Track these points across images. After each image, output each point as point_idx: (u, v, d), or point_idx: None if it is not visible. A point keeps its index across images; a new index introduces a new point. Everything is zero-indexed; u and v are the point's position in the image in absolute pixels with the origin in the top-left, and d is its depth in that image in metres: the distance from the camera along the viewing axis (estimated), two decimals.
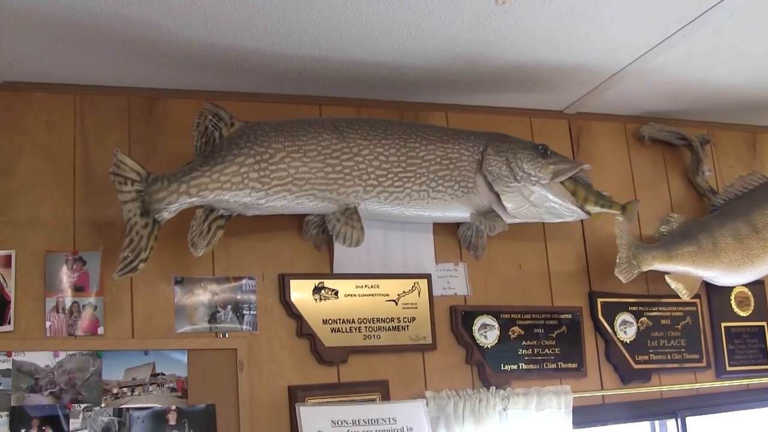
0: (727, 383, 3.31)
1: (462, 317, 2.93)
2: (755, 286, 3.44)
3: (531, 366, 2.99)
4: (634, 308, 3.20)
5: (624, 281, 3.03)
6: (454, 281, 2.99)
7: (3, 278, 2.51)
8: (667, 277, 3.15)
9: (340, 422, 2.61)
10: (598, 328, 3.14)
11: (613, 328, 3.14)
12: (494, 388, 2.87)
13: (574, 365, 3.05)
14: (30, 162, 2.64)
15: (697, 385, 3.25)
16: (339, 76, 2.83)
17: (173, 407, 2.54)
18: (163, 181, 2.50)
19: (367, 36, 2.58)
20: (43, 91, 2.70)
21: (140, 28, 2.42)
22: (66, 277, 2.56)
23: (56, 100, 2.71)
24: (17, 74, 2.65)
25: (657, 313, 3.24)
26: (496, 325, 2.97)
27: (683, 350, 3.25)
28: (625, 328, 3.16)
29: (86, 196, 2.65)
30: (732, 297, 3.40)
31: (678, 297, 3.16)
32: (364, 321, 2.81)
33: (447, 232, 2.99)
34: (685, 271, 3.16)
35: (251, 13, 2.39)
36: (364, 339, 2.79)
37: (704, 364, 3.28)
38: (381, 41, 2.61)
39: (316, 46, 2.62)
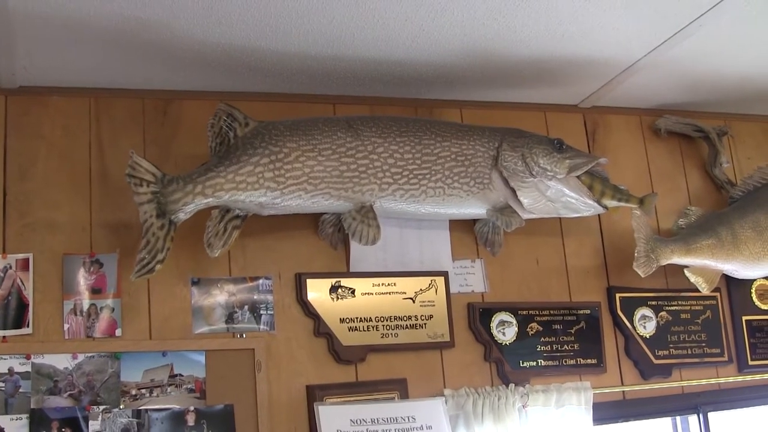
0: (749, 377, 3.29)
1: (480, 314, 2.93)
2: None
3: (550, 362, 2.99)
4: (654, 303, 3.19)
5: (642, 275, 3.01)
6: (471, 278, 2.98)
7: (21, 281, 2.53)
8: (686, 271, 3.14)
9: (359, 421, 2.61)
10: (617, 323, 3.13)
11: (632, 323, 3.13)
12: (513, 385, 2.86)
13: (594, 361, 3.04)
14: (47, 165, 2.66)
15: (720, 380, 3.23)
16: (352, 74, 2.83)
17: (192, 408, 2.55)
18: (178, 182, 2.51)
19: (380, 33, 2.57)
20: (59, 94, 2.72)
21: (154, 30, 2.43)
22: (83, 279, 2.58)
23: (72, 103, 2.73)
24: (33, 79, 2.66)
25: (677, 308, 3.22)
26: (514, 322, 2.97)
27: (704, 344, 3.23)
28: (645, 322, 3.14)
29: (102, 199, 2.67)
30: (752, 290, 3.38)
31: (697, 291, 3.14)
32: (382, 319, 2.81)
33: (463, 228, 2.98)
34: (704, 265, 3.14)
35: (264, 13, 2.39)
36: (382, 337, 2.79)
37: (726, 358, 3.26)
38: (394, 38, 2.61)
39: (329, 45, 2.62)
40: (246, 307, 2.70)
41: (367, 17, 2.47)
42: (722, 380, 3.24)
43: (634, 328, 3.13)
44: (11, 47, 2.45)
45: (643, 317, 3.15)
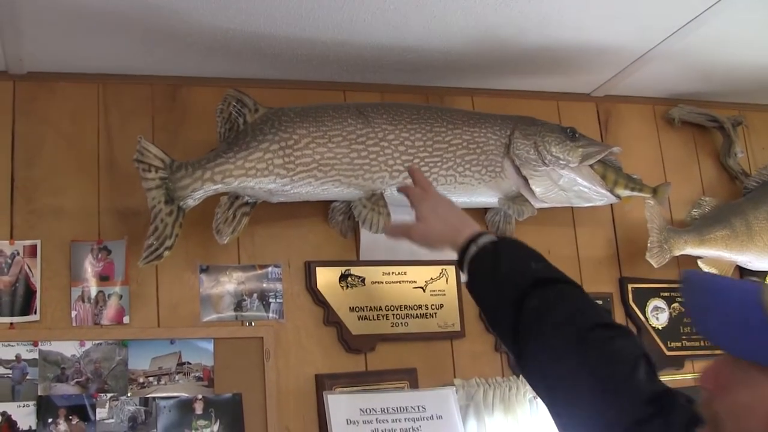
0: None
1: None
2: None
3: None
4: (666, 294, 3.16)
5: (655, 266, 2.99)
6: None
7: (29, 268, 2.51)
8: (699, 262, 3.12)
9: (368, 410, 2.59)
10: (629, 314, 3.10)
11: (644, 314, 3.10)
12: None
13: None
14: (54, 151, 2.64)
15: None
16: (363, 61, 2.81)
17: (200, 396, 2.53)
18: (187, 168, 2.50)
19: (391, 20, 2.55)
20: (66, 80, 2.70)
21: (162, 15, 2.41)
22: (91, 266, 2.56)
23: (79, 89, 2.71)
24: (40, 64, 2.64)
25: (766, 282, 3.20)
26: None
27: None
28: (657, 314, 3.12)
29: (110, 185, 2.65)
30: (767, 281, 3.35)
31: None
32: (392, 308, 2.79)
33: (474, 217, 2.81)
34: (718, 256, 3.12)
35: None
36: (392, 327, 2.77)
37: None
38: (405, 25, 2.59)
39: (339, 31, 2.60)
40: (255, 295, 2.68)
41: (379, 3, 2.44)
42: None
43: (647, 319, 3.10)
44: (19, 33, 2.43)
45: (656, 308, 3.13)
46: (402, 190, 2.33)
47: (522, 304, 1.81)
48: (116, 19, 2.41)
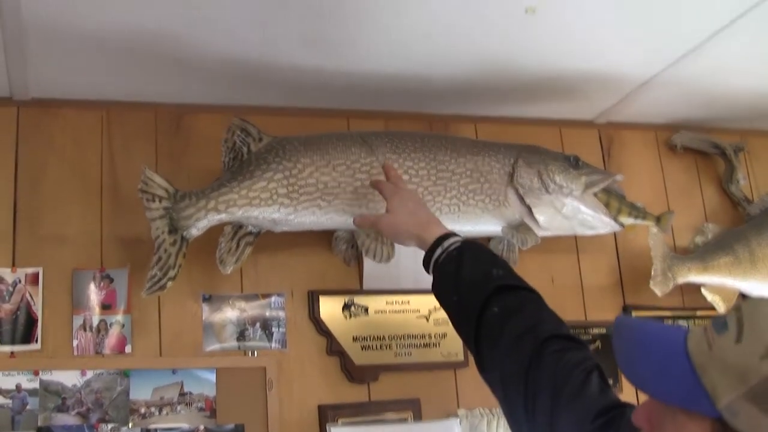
0: None
1: None
2: None
3: None
4: (670, 321, 3.14)
5: (659, 294, 2.98)
6: None
7: (30, 296, 2.50)
8: (703, 289, 3.10)
9: None
10: None
11: None
12: None
13: (610, 381, 2.93)
14: (57, 178, 2.64)
15: None
16: (367, 89, 2.82)
17: (201, 427, 2.52)
18: (191, 198, 2.49)
19: (395, 48, 2.56)
20: (70, 107, 2.70)
21: (167, 43, 2.42)
22: (93, 294, 2.55)
23: (84, 115, 2.71)
24: (45, 90, 2.64)
25: (693, 326, 3.18)
26: None
27: None
28: None
29: (113, 213, 2.65)
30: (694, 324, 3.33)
31: (715, 309, 3.11)
32: (395, 338, 2.78)
33: None
34: (721, 283, 3.11)
35: (278, 27, 2.38)
36: (395, 356, 2.77)
37: None
38: (409, 53, 2.60)
39: (343, 60, 2.60)
40: (258, 324, 2.68)
41: (382, 32, 2.45)
42: None
43: None
44: (24, 59, 2.43)
45: None
46: (374, 184, 2.44)
47: (483, 309, 1.87)
48: (120, 46, 2.41)
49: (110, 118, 2.73)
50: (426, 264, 2.10)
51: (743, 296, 3.20)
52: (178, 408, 2.52)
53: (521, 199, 2.77)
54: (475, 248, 2.07)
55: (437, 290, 2.08)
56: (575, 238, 3.09)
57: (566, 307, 3.03)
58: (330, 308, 2.74)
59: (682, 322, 3.16)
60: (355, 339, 2.74)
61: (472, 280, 1.97)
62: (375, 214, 2.35)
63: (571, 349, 1.79)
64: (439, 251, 2.06)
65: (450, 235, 2.11)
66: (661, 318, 3.13)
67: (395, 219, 2.26)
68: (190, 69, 2.59)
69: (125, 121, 2.74)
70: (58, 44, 2.38)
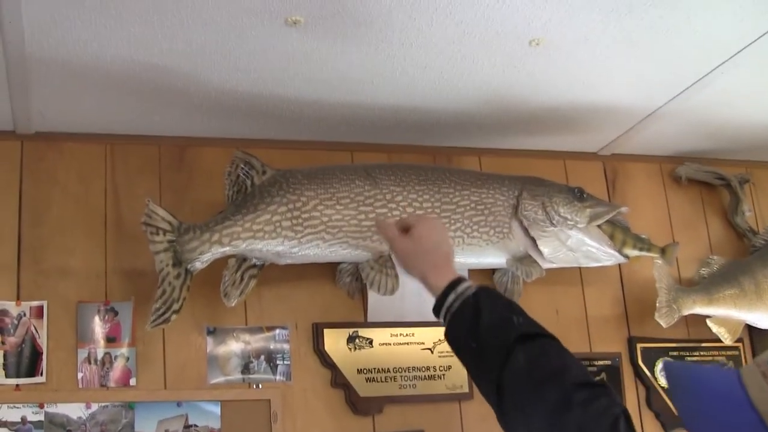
0: None
1: None
2: None
3: None
4: (675, 353, 3.19)
5: (664, 326, 3.02)
6: None
7: (35, 329, 2.55)
8: (708, 321, 3.15)
9: None
10: (638, 374, 3.12)
11: (653, 374, 3.12)
12: None
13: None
14: (61, 211, 2.70)
15: None
16: (371, 121, 2.87)
17: None
18: (195, 231, 2.55)
19: (400, 81, 2.62)
20: (74, 140, 2.77)
21: (170, 76, 2.48)
22: (98, 327, 2.61)
23: (87, 149, 2.77)
24: (49, 124, 2.71)
25: (699, 358, 3.22)
26: None
27: None
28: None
29: (117, 246, 2.70)
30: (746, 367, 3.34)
31: (720, 341, 3.15)
32: (400, 370, 2.82)
33: (482, 278, 2.97)
34: (726, 315, 3.15)
35: (282, 59, 2.44)
36: (400, 388, 2.80)
37: None
38: (413, 85, 2.65)
39: (347, 92, 2.66)
40: (262, 356, 2.72)
41: (386, 64, 2.51)
42: None
43: (656, 379, 3.12)
44: (27, 93, 2.50)
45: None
46: (396, 223, 2.24)
47: (506, 359, 1.86)
48: (124, 79, 2.48)
49: (114, 152, 2.80)
50: (437, 309, 2.05)
51: (750, 328, 3.22)
52: None
53: (526, 231, 2.82)
54: (492, 294, 2.05)
55: (452, 336, 2.03)
56: (580, 270, 3.13)
57: (571, 338, 3.04)
58: (334, 341, 2.78)
59: (687, 354, 3.19)
60: (359, 371, 2.78)
61: (493, 328, 1.93)
62: (395, 230, 2.15)
63: (598, 396, 1.78)
64: (452, 297, 2.00)
65: (461, 279, 2.05)
66: (666, 350, 3.17)
67: (414, 247, 2.10)
68: (193, 102, 2.65)
69: (129, 155, 2.81)
70: (61, 78, 2.45)
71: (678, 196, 3.42)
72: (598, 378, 3.03)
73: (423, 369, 2.84)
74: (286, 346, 2.74)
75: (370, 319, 2.84)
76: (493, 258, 2.84)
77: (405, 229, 2.15)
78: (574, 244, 2.84)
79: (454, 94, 2.73)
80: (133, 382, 2.58)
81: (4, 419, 2.44)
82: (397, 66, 2.52)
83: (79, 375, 2.55)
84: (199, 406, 2.59)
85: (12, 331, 2.53)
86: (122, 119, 2.73)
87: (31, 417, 2.46)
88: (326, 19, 2.24)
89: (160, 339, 2.64)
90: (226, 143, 2.85)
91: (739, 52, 2.59)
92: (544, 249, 2.81)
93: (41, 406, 2.47)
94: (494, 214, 2.78)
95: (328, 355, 2.76)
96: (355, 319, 2.84)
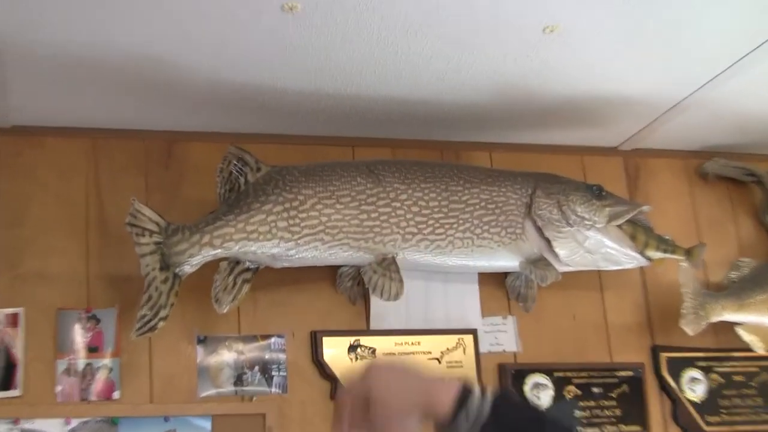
0: None
1: (512, 376, 2.88)
2: None
3: (589, 429, 2.93)
4: (703, 363, 3.12)
5: (691, 333, 2.95)
6: (503, 336, 2.94)
7: (10, 338, 2.50)
8: (738, 329, 3.07)
9: None
10: (663, 386, 3.06)
11: (679, 385, 3.06)
12: None
13: (638, 428, 2.97)
14: (41, 211, 2.66)
15: None
16: (373, 114, 2.83)
17: None
18: (184, 232, 2.50)
19: (403, 71, 2.57)
20: (55, 135, 2.73)
21: (158, 66, 2.43)
22: (79, 336, 2.56)
23: (69, 144, 2.74)
24: (28, 118, 2.67)
25: (728, 369, 3.15)
26: (550, 385, 2.92)
27: (760, 410, 3.14)
28: (694, 385, 3.07)
29: (101, 249, 2.66)
30: None
31: (751, 350, 3.08)
32: None
33: (493, 282, 2.95)
34: (758, 322, 3.07)
35: (278, 49, 2.39)
36: None
37: None
38: (418, 76, 2.61)
39: (348, 83, 2.62)
40: (256, 367, 2.68)
41: (390, 54, 2.46)
42: None
43: (682, 391, 3.06)
44: (5, 85, 2.46)
45: (692, 379, 3.08)
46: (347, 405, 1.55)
47: None
48: (108, 70, 2.43)
49: (97, 147, 2.76)
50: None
51: None
52: None
53: (540, 231, 2.77)
54: (510, 402, 1.71)
55: None
56: (599, 273, 3.08)
57: (589, 348, 3.04)
58: (334, 350, 2.74)
59: (717, 365, 3.14)
60: None
61: None
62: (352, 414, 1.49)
63: None
64: (464, 420, 1.57)
65: (468, 389, 1.46)
66: (693, 360, 3.11)
67: (388, 390, 1.48)
68: (183, 94, 2.61)
69: (113, 151, 2.77)
70: (40, 69, 2.40)
71: (705, 193, 3.37)
72: (618, 390, 2.99)
73: None
74: (282, 356, 2.70)
75: (372, 326, 2.81)
76: (505, 261, 2.80)
77: (363, 400, 1.50)
78: (593, 245, 2.79)
79: (463, 85, 2.68)
80: (116, 395, 2.53)
81: None
82: (401, 55, 2.47)
83: (58, 388, 2.50)
84: (189, 421, 2.55)
85: None
86: (106, 112, 2.69)
87: None
88: (325, 4, 2.19)
89: (146, 349, 2.60)
90: (217, 138, 2.81)
91: (767, 40, 2.53)
92: (560, 251, 2.77)
93: (16, 422, 2.42)
94: (506, 214, 2.74)
95: (328, 366, 2.71)
96: (357, 326, 2.81)
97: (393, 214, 2.64)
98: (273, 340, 2.72)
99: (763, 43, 2.55)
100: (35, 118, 2.68)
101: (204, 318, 2.66)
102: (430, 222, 2.67)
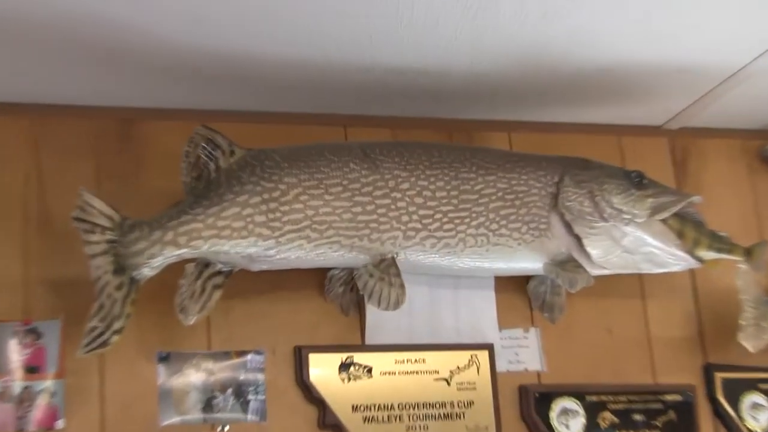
0: None
1: (535, 400, 2.88)
2: None
3: None
4: (766, 386, 3.13)
5: (752, 350, 2.93)
6: (524, 353, 2.96)
7: None
8: None
9: None
10: (719, 413, 3.07)
11: (738, 412, 3.07)
12: None
13: None
14: None
15: None
16: (369, 88, 2.84)
17: None
18: (142, 228, 2.48)
19: (404, 37, 2.57)
20: None
21: (113, 31, 2.42)
22: (15, 354, 2.53)
23: (4, 123, 2.73)
24: None
25: None
26: (581, 411, 2.92)
27: None
28: (756, 413, 3.08)
29: (42, 249, 2.66)
30: None
31: None
32: (407, 407, 2.77)
33: (513, 288, 2.97)
34: None
35: (258, 10, 2.38)
36: (408, 431, 2.76)
37: None
38: (422, 43, 2.61)
39: (339, 50, 2.62)
40: (229, 390, 2.67)
41: (389, 17, 2.46)
42: None
43: (742, 419, 3.06)
44: None
45: (754, 405, 3.09)
46: None
47: None
48: (52, 36, 2.42)
49: (38, 127, 2.76)
50: None
51: None
52: None
53: (568, 227, 2.76)
54: None
55: None
56: (639, 277, 3.09)
57: (628, 367, 3.06)
58: (323, 369, 2.74)
59: None
60: (355, 408, 2.73)
61: None
62: None
63: None
64: None
65: None
66: (754, 382, 3.11)
67: None
68: (142, 63, 2.61)
69: (58, 131, 2.77)
70: None
71: (766, 181, 3.39)
72: (664, 418, 2.99)
73: (437, 405, 2.79)
74: (260, 377, 2.70)
75: (368, 341, 2.81)
76: (527, 262, 2.79)
77: None
78: (632, 243, 2.78)
79: (475, 54, 2.69)
80: (60, 424, 2.51)
81: None
82: (402, 19, 2.47)
83: None
84: None
85: None
86: (49, 86, 2.70)
87: None
88: None
89: (96, 368, 2.60)
90: (183, 116, 2.82)
91: None
92: (592, 250, 2.76)
93: None
94: (528, 206, 2.74)
95: (315, 388, 2.71)
96: (350, 341, 2.81)
97: (392, 206, 2.64)
98: (249, 357, 2.72)
99: None
100: None
101: (166, 331, 2.66)
102: (437, 216, 2.66)
